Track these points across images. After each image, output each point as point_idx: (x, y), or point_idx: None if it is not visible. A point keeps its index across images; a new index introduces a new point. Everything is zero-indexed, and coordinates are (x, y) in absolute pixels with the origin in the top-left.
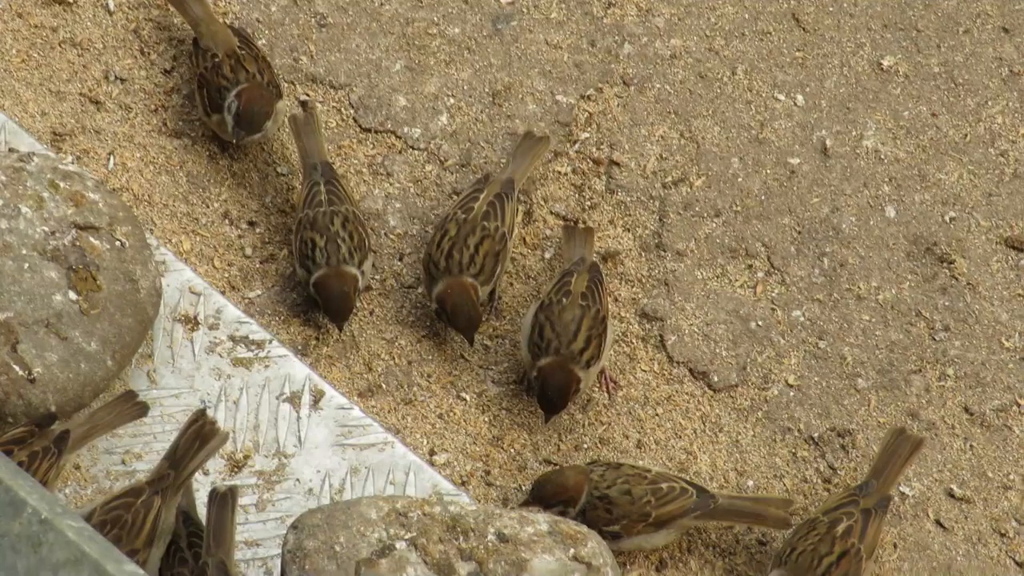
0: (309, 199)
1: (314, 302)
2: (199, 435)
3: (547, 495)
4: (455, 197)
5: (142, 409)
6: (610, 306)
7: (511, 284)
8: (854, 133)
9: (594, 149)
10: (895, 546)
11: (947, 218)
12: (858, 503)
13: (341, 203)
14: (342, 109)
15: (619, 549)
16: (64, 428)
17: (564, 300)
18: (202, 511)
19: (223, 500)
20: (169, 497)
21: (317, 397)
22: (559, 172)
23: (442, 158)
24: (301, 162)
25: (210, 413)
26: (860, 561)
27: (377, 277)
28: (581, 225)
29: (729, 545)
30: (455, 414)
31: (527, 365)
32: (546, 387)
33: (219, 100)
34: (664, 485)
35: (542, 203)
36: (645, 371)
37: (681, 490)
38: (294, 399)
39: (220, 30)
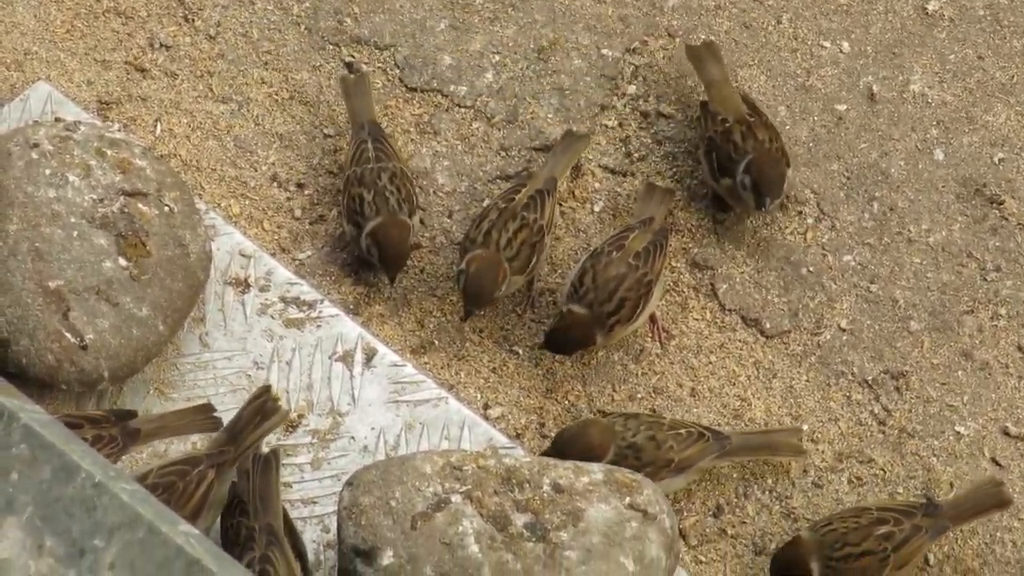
0: (356, 157)
1: (364, 261)
2: (261, 410)
3: (573, 454)
4: (503, 153)
5: (215, 424)
6: (664, 273)
7: (561, 238)
8: (900, 78)
9: (641, 102)
10: (951, 485)
11: (996, 159)
12: (914, 516)
13: (389, 160)
14: (388, 69)
15: None
16: (136, 426)
17: (615, 254)
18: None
19: (267, 464)
20: (225, 470)
21: (370, 355)
22: (606, 126)
23: (489, 115)
24: (350, 122)
25: (263, 375)
26: (885, 567)
27: (427, 235)
28: (663, 184)
29: (785, 489)
30: (508, 368)
31: (561, 301)
32: (557, 332)
33: (729, 166)
34: (683, 431)
35: (589, 157)
36: (697, 320)
37: (698, 435)
38: (347, 358)
39: (731, 95)
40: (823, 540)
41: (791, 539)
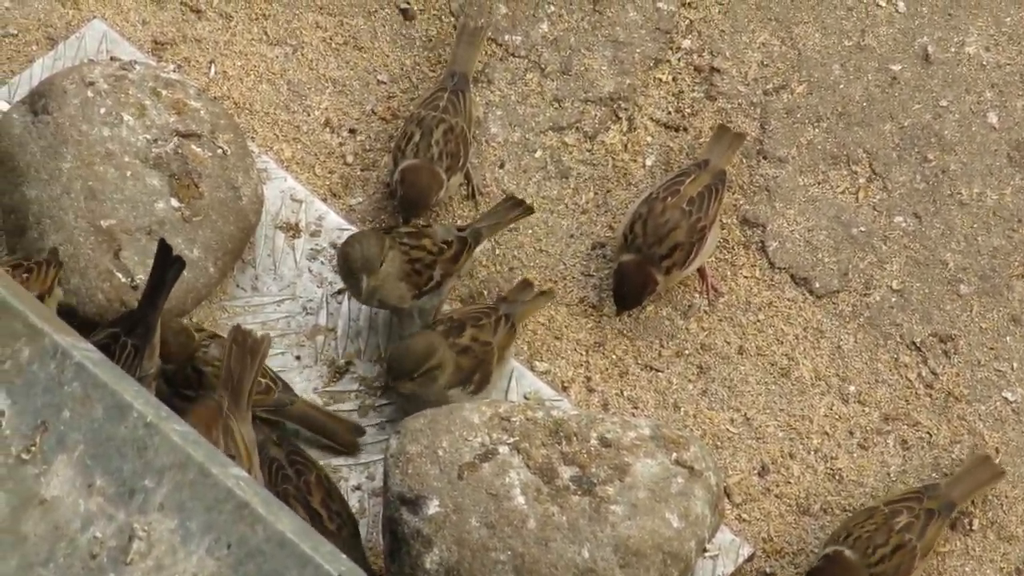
0: (429, 99)
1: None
2: (245, 350)
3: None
4: (556, 104)
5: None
6: (719, 218)
7: (611, 191)
8: (956, 39)
9: (695, 56)
10: (997, 451)
11: None
12: (922, 501)
13: (455, 115)
14: (443, 16)
15: None
16: None
17: (669, 200)
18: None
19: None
20: (239, 418)
21: None
22: (660, 80)
23: (543, 66)
24: (448, 63)
25: (312, 320)
26: (914, 558)
27: (478, 185)
28: (735, 129)
29: (831, 450)
30: (556, 321)
31: (615, 250)
32: (620, 284)
33: None
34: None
35: (642, 111)
36: (747, 277)
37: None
38: None
39: None
40: (855, 550)
41: (830, 556)
